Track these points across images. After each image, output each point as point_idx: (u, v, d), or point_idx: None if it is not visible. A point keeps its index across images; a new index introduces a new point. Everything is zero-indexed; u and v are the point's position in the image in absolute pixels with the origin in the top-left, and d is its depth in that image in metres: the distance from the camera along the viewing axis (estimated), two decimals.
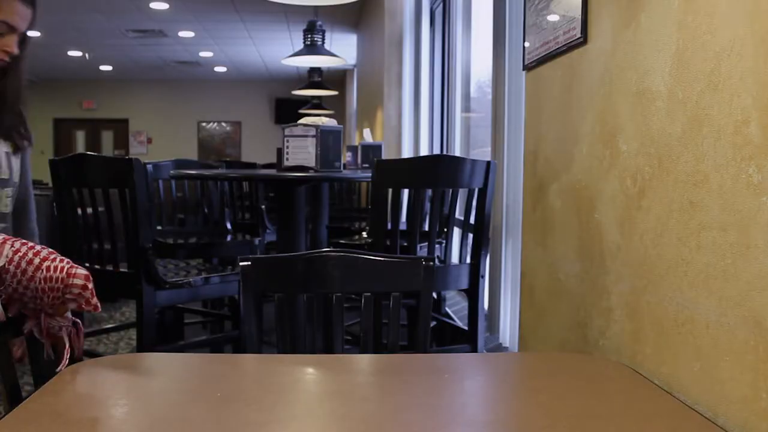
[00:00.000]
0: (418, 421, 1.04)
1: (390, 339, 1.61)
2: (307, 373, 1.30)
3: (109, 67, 12.77)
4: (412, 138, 5.48)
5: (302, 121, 3.60)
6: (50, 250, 1.24)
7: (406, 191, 2.77)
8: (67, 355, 1.23)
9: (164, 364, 1.36)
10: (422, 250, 2.44)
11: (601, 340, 1.54)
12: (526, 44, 2.08)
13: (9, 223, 1.72)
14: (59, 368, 1.21)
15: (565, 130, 1.78)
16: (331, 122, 3.64)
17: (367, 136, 6.04)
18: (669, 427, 1.04)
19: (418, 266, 1.56)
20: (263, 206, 4.27)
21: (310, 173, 3.37)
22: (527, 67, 2.09)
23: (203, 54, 11.21)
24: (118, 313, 4.81)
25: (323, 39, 5.47)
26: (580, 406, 1.10)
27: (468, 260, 2.45)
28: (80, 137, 14.49)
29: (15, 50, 1.54)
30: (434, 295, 3.37)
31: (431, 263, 1.57)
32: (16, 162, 1.72)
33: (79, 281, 1.20)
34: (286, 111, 13.18)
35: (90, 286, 1.21)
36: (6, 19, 1.52)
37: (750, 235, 1.01)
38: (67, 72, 13.17)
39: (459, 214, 2.60)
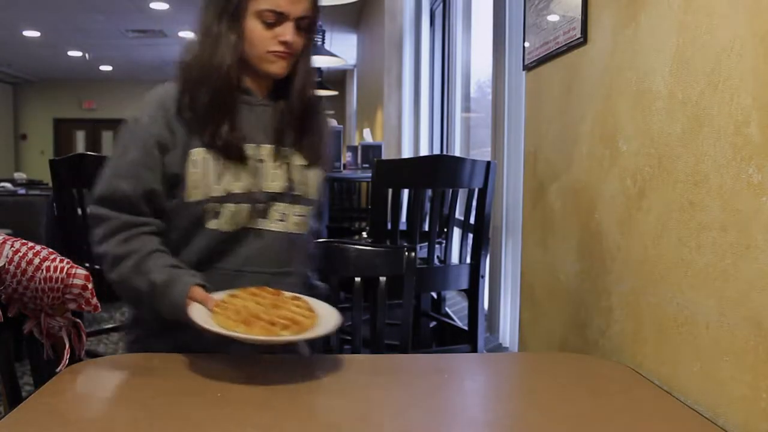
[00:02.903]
0: (418, 421, 1.04)
1: (378, 321, 1.68)
2: (308, 373, 1.30)
3: (109, 67, 12.76)
4: (412, 138, 5.48)
5: None
6: (50, 250, 1.24)
7: (406, 191, 2.77)
8: (67, 355, 1.23)
9: (164, 364, 1.36)
10: (422, 250, 2.44)
11: (601, 340, 1.54)
12: (526, 44, 2.08)
13: (302, 246, 1.46)
14: (59, 368, 1.20)
15: (565, 130, 1.78)
16: (331, 122, 3.64)
17: (367, 136, 6.04)
18: (669, 427, 1.04)
19: (401, 253, 1.71)
20: None
21: None
22: (527, 67, 2.09)
23: None
24: (118, 313, 4.81)
25: (323, 39, 5.47)
26: (580, 406, 1.10)
27: (468, 260, 2.45)
28: (80, 137, 14.48)
29: (289, 37, 1.33)
30: (434, 295, 3.37)
31: (413, 252, 1.71)
32: (313, 176, 1.46)
33: (79, 281, 1.20)
34: None
35: (90, 286, 1.21)
36: (272, 7, 1.32)
37: (750, 235, 1.01)
38: (67, 72, 13.17)
39: (459, 214, 2.60)
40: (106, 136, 14.54)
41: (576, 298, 1.69)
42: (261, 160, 1.38)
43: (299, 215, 1.41)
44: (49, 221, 4.05)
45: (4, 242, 1.22)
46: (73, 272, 1.20)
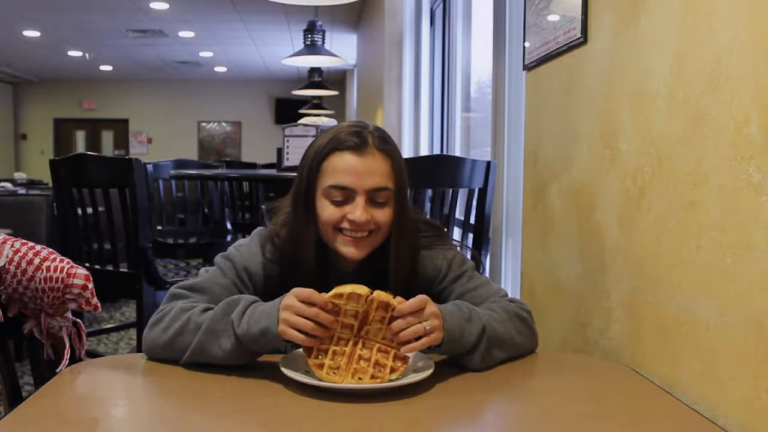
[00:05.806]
0: (418, 420, 1.04)
1: None
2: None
3: (109, 67, 12.77)
4: (412, 138, 5.47)
5: (302, 121, 3.61)
6: (50, 250, 1.24)
7: None
8: (67, 355, 1.23)
9: (164, 363, 1.36)
10: None
11: (601, 340, 1.54)
12: (526, 44, 2.08)
13: None
14: (59, 368, 1.21)
15: (565, 130, 1.78)
16: (331, 122, 3.65)
17: None
18: (669, 427, 1.04)
19: None
20: (263, 206, 4.28)
21: None
22: (527, 67, 2.09)
23: (203, 54, 11.21)
24: (118, 313, 4.81)
25: (323, 39, 5.46)
26: (580, 406, 1.10)
27: None
28: (80, 137, 14.49)
29: (358, 215, 1.19)
30: None
31: None
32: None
33: (79, 281, 1.20)
34: (286, 111, 13.19)
35: (90, 286, 1.21)
36: (337, 183, 1.20)
37: (750, 235, 1.01)
38: (67, 72, 13.18)
39: (459, 214, 2.60)
40: (106, 135, 14.56)
41: (576, 298, 1.69)
42: None
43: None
44: (49, 221, 4.05)
45: (5, 242, 1.22)
46: (73, 272, 1.20)
